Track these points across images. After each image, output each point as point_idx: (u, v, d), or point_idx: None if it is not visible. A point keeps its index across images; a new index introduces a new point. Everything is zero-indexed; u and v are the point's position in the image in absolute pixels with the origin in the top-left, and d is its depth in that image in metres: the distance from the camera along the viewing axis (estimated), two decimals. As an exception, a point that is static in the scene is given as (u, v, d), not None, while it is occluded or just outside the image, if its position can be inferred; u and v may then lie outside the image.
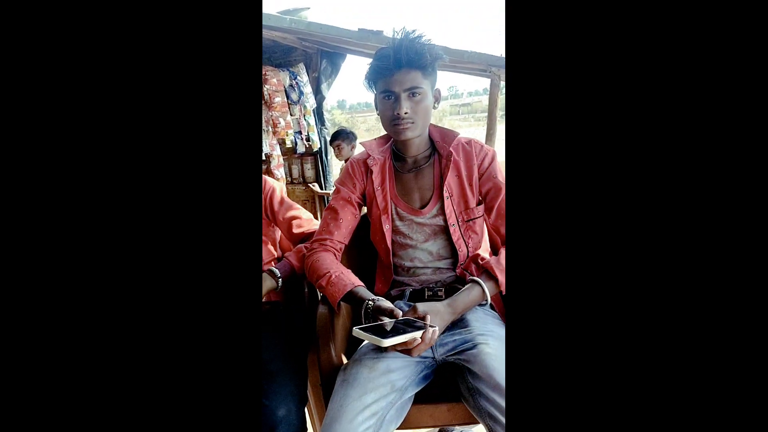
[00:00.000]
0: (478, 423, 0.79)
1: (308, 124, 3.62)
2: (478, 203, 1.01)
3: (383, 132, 1.04)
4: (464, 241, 1.00)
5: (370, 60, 0.97)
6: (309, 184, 3.77)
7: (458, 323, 0.90)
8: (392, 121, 0.93)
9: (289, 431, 0.81)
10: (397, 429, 0.81)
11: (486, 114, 2.83)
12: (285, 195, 1.16)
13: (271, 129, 3.38)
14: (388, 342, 0.69)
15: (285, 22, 2.57)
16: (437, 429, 1.23)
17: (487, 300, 0.89)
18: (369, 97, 1.01)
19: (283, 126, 3.41)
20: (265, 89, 3.28)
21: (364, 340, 0.89)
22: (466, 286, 0.90)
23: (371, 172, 1.03)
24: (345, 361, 0.91)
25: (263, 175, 1.16)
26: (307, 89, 3.55)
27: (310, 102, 3.60)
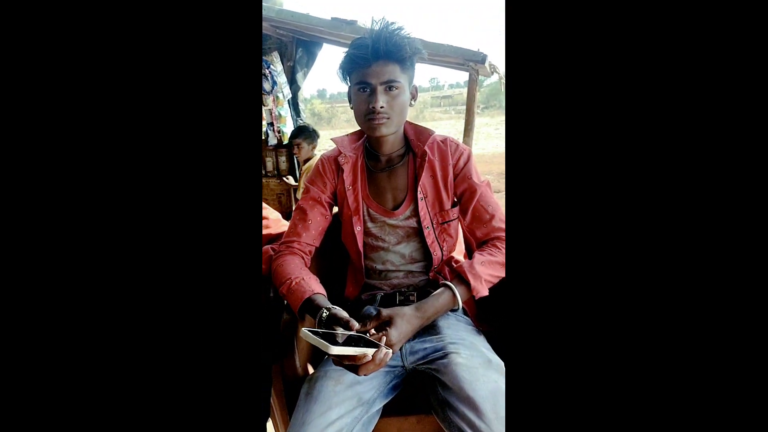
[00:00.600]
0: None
1: (280, 115, 3.51)
2: (453, 205, 0.97)
3: None
4: (438, 244, 0.97)
5: (345, 50, 0.91)
6: (283, 177, 3.68)
7: (429, 329, 0.86)
8: (367, 116, 0.88)
9: None
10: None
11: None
12: None
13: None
14: (335, 350, 0.63)
15: (257, 8, 2.46)
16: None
17: (458, 305, 0.85)
18: (351, 87, 0.96)
19: (255, 116, 3.29)
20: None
21: None
22: (436, 291, 0.86)
23: (342, 170, 0.98)
24: (311, 370, 0.87)
25: None
26: (282, 79, 3.43)
27: (285, 92, 3.49)
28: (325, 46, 3.48)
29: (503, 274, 0.90)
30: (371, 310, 0.89)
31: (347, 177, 0.97)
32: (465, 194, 0.95)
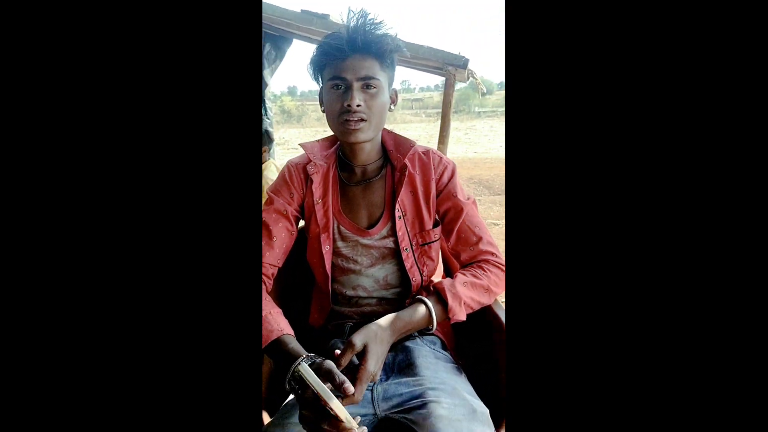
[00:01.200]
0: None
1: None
2: (435, 224, 0.86)
3: None
4: (418, 268, 0.86)
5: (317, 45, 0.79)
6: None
7: (405, 370, 0.75)
8: (341, 116, 0.76)
9: None
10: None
11: (437, 110, 2.71)
12: None
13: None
14: (336, 405, 0.55)
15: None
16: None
17: (432, 326, 0.76)
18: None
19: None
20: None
21: (289, 395, 0.72)
22: (411, 305, 0.76)
23: (311, 180, 0.85)
24: (266, 419, 0.73)
25: None
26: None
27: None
28: (295, 42, 3.31)
29: (485, 301, 0.81)
30: (338, 344, 0.77)
31: (316, 189, 0.85)
32: (449, 213, 0.85)
